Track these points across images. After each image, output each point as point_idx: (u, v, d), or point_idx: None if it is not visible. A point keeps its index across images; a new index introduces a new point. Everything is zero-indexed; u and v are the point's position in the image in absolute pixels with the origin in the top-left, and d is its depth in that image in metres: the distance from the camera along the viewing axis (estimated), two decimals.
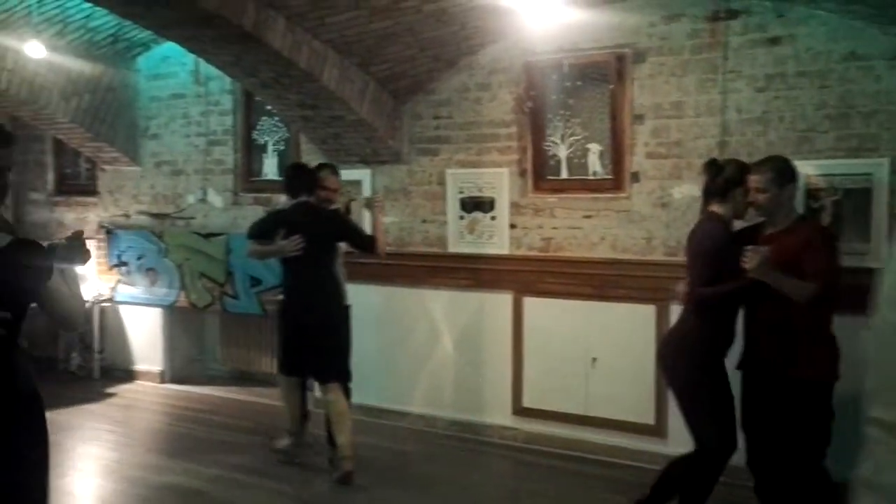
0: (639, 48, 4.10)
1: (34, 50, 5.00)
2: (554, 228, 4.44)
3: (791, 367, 2.82)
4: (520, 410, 4.55)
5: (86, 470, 4.34)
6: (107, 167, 6.28)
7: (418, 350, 4.87)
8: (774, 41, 3.78)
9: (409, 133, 4.87)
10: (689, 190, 3.95)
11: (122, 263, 6.15)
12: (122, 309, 6.22)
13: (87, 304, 2.33)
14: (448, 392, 4.79)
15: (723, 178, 3.02)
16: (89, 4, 4.72)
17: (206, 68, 5.34)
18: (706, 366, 2.98)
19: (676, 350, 3.07)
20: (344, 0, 3.69)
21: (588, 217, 4.33)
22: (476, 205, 4.66)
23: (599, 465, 4.17)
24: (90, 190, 6.49)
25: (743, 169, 3.02)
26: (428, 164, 4.82)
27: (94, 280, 6.22)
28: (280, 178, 5.39)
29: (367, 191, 4.87)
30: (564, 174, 4.42)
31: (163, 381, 6.04)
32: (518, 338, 4.54)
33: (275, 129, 5.58)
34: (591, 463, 4.20)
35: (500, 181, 4.57)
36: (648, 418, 4.13)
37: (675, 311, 3.30)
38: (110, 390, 5.87)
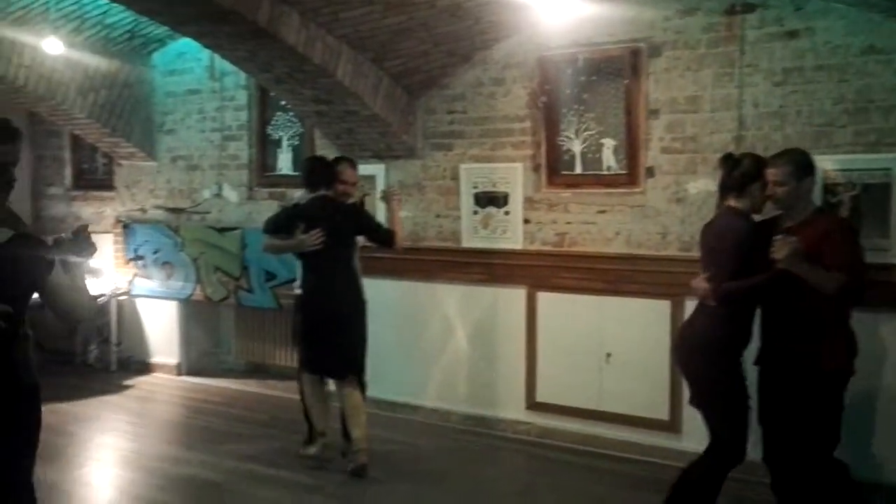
0: (654, 42, 4.08)
1: (52, 46, 5.05)
2: (568, 223, 4.43)
3: (814, 358, 2.81)
4: (533, 405, 4.56)
5: (104, 460, 4.40)
6: (123, 162, 6.34)
7: (432, 344, 4.89)
8: (792, 35, 3.74)
9: (423, 128, 4.87)
10: (704, 185, 3.93)
11: (138, 257, 6.21)
12: (139, 302, 6.29)
13: (92, 297, 2.36)
14: (462, 386, 4.81)
15: (740, 173, 2.99)
16: (106, 1, 4.77)
17: (222, 64, 5.37)
18: (725, 364, 2.95)
19: (694, 346, 3.04)
20: None
21: (602, 212, 4.32)
22: (490, 200, 4.66)
23: (613, 460, 4.17)
24: (107, 185, 6.55)
25: (760, 163, 3.00)
26: (442, 159, 4.83)
27: (111, 273, 6.30)
28: (295, 174, 5.44)
29: (381, 185, 4.87)
30: (578, 169, 4.41)
31: (179, 374, 6.10)
32: (532, 333, 4.54)
33: (289, 124, 5.60)
34: (604, 458, 4.20)
35: (514, 176, 4.57)
36: (662, 414, 4.12)
37: (690, 307, 3.28)
38: (127, 382, 5.94)
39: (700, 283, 3.01)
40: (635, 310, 4.19)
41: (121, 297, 6.26)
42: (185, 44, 5.67)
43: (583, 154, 4.39)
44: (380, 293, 4.71)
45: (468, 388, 4.79)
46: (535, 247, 4.54)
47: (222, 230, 5.79)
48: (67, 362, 6.46)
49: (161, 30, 5.46)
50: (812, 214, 2.93)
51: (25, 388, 2.16)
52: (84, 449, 4.55)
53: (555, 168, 4.47)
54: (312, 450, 4.05)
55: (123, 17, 5.23)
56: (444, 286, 4.83)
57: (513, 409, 4.62)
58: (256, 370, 6.03)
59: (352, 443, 3.94)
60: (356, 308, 4.00)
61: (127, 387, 5.84)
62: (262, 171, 5.74)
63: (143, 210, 6.28)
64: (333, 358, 3.94)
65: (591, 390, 4.36)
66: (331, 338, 3.88)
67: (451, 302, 4.82)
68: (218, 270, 5.82)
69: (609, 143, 4.30)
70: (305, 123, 5.42)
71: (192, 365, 6.17)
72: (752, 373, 3.04)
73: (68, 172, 6.88)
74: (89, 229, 2.32)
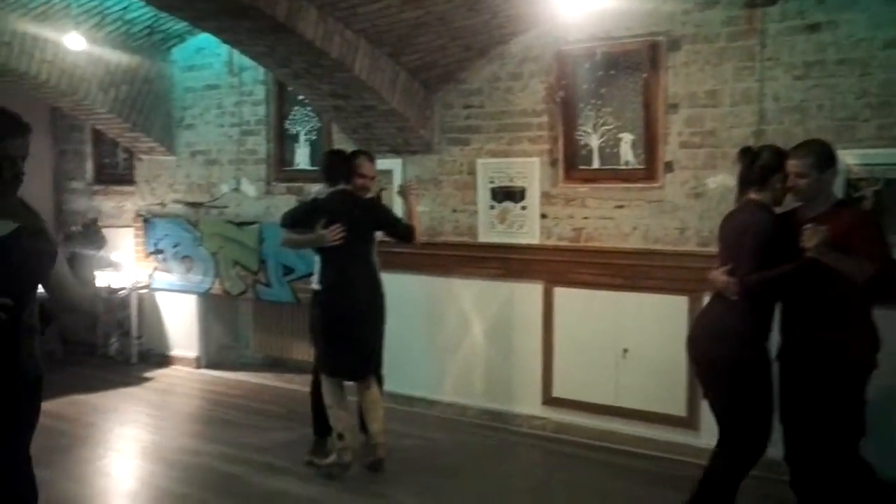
0: (673, 36, 4.04)
1: (74, 42, 5.12)
2: (585, 218, 4.42)
3: (839, 347, 2.78)
4: (549, 400, 4.56)
5: (124, 451, 4.46)
6: (144, 157, 6.40)
7: (449, 339, 4.90)
8: (814, 28, 3.69)
9: (439, 123, 4.87)
10: (723, 180, 3.89)
11: (158, 251, 6.28)
12: (159, 296, 6.36)
13: (96, 290, 2.39)
14: (478, 381, 4.82)
15: (760, 165, 2.96)
16: None
17: (240, 59, 5.40)
18: (746, 356, 2.91)
19: (713, 338, 2.99)
20: None
21: (620, 207, 4.30)
22: (507, 194, 4.65)
23: (629, 456, 4.16)
24: (128, 179, 6.62)
25: (780, 155, 2.96)
26: (458, 154, 4.83)
27: (131, 267, 6.37)
28: (312, 168, 5.46)
29: (398, 180, 4.88)
30: (596, 164, 4.39)
31: (198, 367, 6.17)
32: (548, 328, 4.54)
33: (307, 118, 5.63)
34: (620, 454, 4.19)
35: (530, 171, 4.55)
36: (680, 410, 4.10)
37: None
38: (148, 375, 6.02)
39: (719, 275, 2.97)
40: (652, 305, 4.17)
41: (141, 291, 6.34)
42: (204, 39, 5.71)
43: (600, 149, 4.36)
44: (396, 288, 4.72)
45: (484, 384, 4.79)
46: (552, 242, 4.53)
47: (240, 224, 5.83)
48: (89, 354, 6.56)
49: (180, 25, 5.51)
50: (833, 206, 2.89)
51: (30, 380, 2.18)
52: (105, 440, 4.62)
53: (572, 163, 4.45)
54: (330, 458, 3.88)
55: (143, 12, 5.28)
56: (460, 281, 4.83)
57: (529, 404, 4.62)
58: (274, 364, 6.08)
59: (369, 437, 3.95)
60: (376, 304, 3.95)
61: (147, 379, 5.92)
62: (280, 166, 5.78)
63: (163, 204, 6.34)
64: (353, 358, 3.84)
65: (607, 386, 4.34)
66: (350, 335, 3.80)
67: (467, 297, 4.82)
68: (236, 264, 5.87)
69: (627, 138, 4.27)
70: (323, 118, 5.44)
71: (211, 358, 6.23)
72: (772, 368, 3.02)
73: (90, 167, 6.97)
74: (98, 223, 2.37)
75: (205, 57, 5.97)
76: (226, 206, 5.98)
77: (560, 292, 4.49)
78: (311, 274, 4.29)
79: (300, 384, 5.38)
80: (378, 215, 4.00)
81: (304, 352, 5.46)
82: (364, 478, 3.88)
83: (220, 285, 5.97)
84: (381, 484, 3.83)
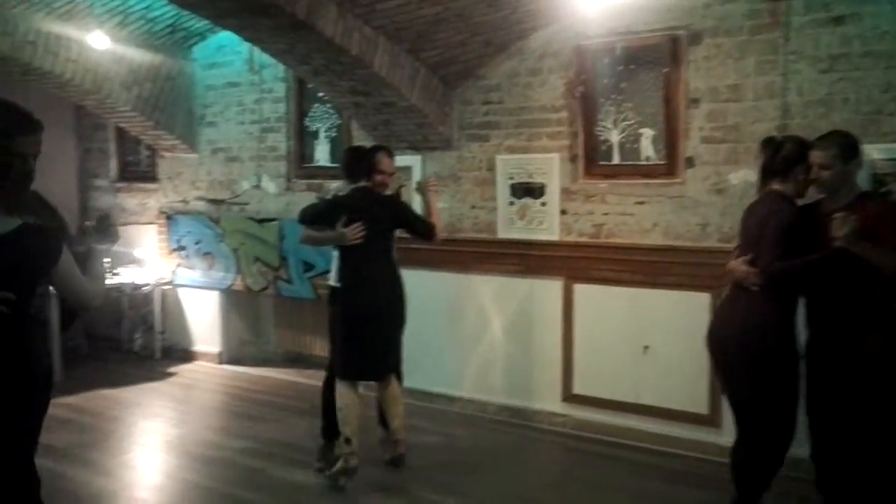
0: (694, 30, 4.00)
1: (98, 41, 5.19)
2: (605, 214, 4.39)
3: (863, 342, 2.74)
4: (569, 397, 4.55)
5: (148, 445, 4.53)
6: (166, 154, 6.47)
7: (468, 336, 4.90)
8: (839, 20, 3.63)
9: (459, 119, 4.87)
10: (745, 175, 3.85)
11: (181, 248, 6.35)
12: (182, 292, 6.43)
13: (104, 286, 2.39)
14: (497, 377, 4.82)
15: (783, 156, 2.92)
16: None
17: (260, 56, 5.44)
18: (770, 350, 2.87)
19: (734, 331, 2.95)
20: None
21: (640, 203, 4.27)
22: (526, 190, 4.64)
23: (650, 453, 4.14)
24: (151, 176, 6.70)
25: (803, 146, 2.93)
26: (478, 150, 4.82)
27: (155, 263, 6.45)
28: (332, 165, 5.48)
29: (417, 177, 4.88)
30: (616, 159, 4.36)
31: (220, 362, 6.24)
32: (568, 324, 4.52)
33: (327, 115, 5.65)
34: (641, 451, 4.17)
35: (550, 167, 4.54)
36: (702, 407, 4.07)
37: None
38: (171, 370, 6.09)
39: (738, 265, 2.93)
40: (673, 302, 4.14)
41: (164, 287, 6.41)
42: (225, 37, 5.75)
43: (621, 144, 4.33)
44: (416, 284, 4.72)
45: (504, 380, 4.79)
46: (572, 238, 4.51)
47: (261, 221, 5.88)
48: (114, 350, 6.66)
49: (202, 23, 5.55)
50: (857, 198, 2.84)
51: (37, 374, 2.19)
52: (129, 433, 4.69)
53: (592, 158, 4.43)
54: (337, 466, 3.72)
55: (165, 11, 5.33)
56: (479, 277, 4.83)
57: (549, 400, 4.62)
58: (295, 359, 6.13)
59: (390, 433, 3.97)
60: (397, 301, 3.89)
61: (170, 374, 6.00)
62: (300, 163, 5.81)
63: (185, 201, 6.41)
64: (375, 357, 3.79)
65: (628, 383, 4.32)
66: (372, 334, 3.74)
67: (487, 293, 4.82)
68: (257, 261, 5.92)
69: (647, 133, 4.24)
70: (343, 115, 5.46)
71: (233, 353, 6.29)
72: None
73: (113, 165, 7.05)
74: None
75: (226, 55, 6.01)
76: (247, 203, 6.03)
77: (580, 289, 4.48)
78: (328, 270, 4.28)
79: (320, 380, 5.38)
80: (398, 213, 3.96)
81: (325, 348, 5.48)
82: (385, 473, 3.91)
83: (241, 281, 6.02)
84: (401, 479, 3.85)
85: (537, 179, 4.60)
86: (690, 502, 3.57)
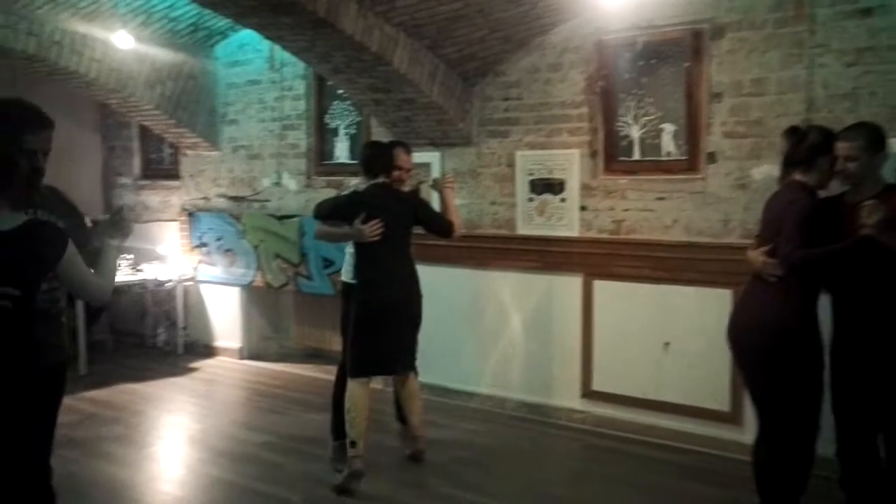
0: (717, 23, 3.96)
1: (122, 41, 5.25)
2: (625, 210, 4.37)
3: (888, 336, 2.70)
4: (589, 393, 4.53)
5: (171, 439, 4.59)
6: (188, 152, 6.54)
7: (487, 331, 4.90)
8: (866, 13, 3.57)
9: (478, 115, 4.87)
10: (769, 170, 3.80)
11: (203, 244, 6.42)
12: (204, 288, 6.50)
13: (112, 281, 2.39)
14: (517, 373, 4.81)
15: (807, 146, 2.87)
16: None
17: (281, 54, 5.48)
18: (790, 342, 2.82)
19: (753, 323, 2.91)
20: None
21: (661, 199, 4.24)
22: (546, 186, 4.63)
23: (670, 450, 4.11)
24: (173, 174, 6.77)
25: (828, 136, 2.87)
26: (497, 146, 4.81)
27: (177, 260, 6.53)
28: (352, 162, 5.51)
29: (436, 173, 4.87)
30: (637, 155, 4.33)
31: (241, 358, 6.30)
32: (588, 321, 4.50)
33: (346, 112, 5.67)
34: (661, 448, 4.15)
35: (570, 163, 4.52)
36: (723, 405, 4.04)
37: None
38: (193, 365, 6.16)
39: (757, 255, 2.88)
40: (695, 299, 4.11)
41: (187, 283, 6.49)
42: (247, 35, 5.80)
43: (641, 140, 4.30)
44: (435, 280, 4.74)
45: (523, 376, 4.79)
46: (592, 234, 4.49)
47: (282, 218, 5.92)
48: (138, 345, 6.75)
49: (223, 22, 5.60)
50: (883, 191, 2.79)
51: (42, 367, 2.19)
52: (153, 427, 4.75)
53: (612, 154, 4.40)
54: (344, 473, 3.64)
55: (188, 10, 5.39)
56: (499, 273, 4.83)
57: (568, 397, 4.60)
58: (314, 355, 6.16)
59: (409, 429, 3.98)
60: (414, 298, 3.85)
61: (193, 369, 6.06)
62: (320, 160, 5.84)
63: (207, 198, 6.47)
64: (396, 351, 3.77)
65: (648, 380, 4.30)
66: (387, 332, 3.70)
67: (506, 289, 4.82)
68: (278, 257, 5.96)
69: (669, 129, 4.20)
70: (362, 112, 5.48)
71: (253, 349, 6.35)
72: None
73: (137, 162, 7.14)
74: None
75: (247, 53, 6.06)
76: (267, 200, 6.08)
77: (600, 285, 4.46)
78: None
79: None
80: (417, 210, 3.89)
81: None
82: (404, 468, 3.92)
83: (261, 278, 6.08)
84: (420, 474, 3.87)
85: (557, 175, 4.58)
86: (710, 500, 3.54)
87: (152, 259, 6.53)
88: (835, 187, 2.96)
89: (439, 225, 3.92)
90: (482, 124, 4.86)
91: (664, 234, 4.23)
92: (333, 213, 3.77)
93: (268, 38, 4.29)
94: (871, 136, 2.79)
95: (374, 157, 3.82)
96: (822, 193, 2.96)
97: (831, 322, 2.91)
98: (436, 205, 4.19)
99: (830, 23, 3.66)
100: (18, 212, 2.12)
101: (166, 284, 6.43)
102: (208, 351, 6.46)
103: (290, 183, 5.96)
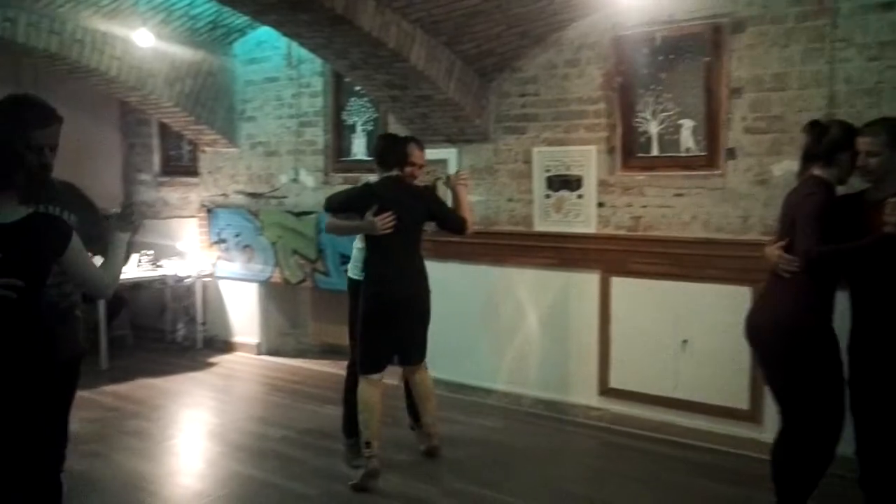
0: (738, 18, 3.91)
1: (143, 39, 5.30)
2: (643, 207, 4.34)
3: None
4: (606, 391, 4.51)
5: (190, 433, 4.63)
6: (207, 149, 6.59)
7: (504, 328, 4.89)
8: (889, 6, 3.52)
9: (495, 111, 4.86)
10: (789, 166, 3.75)
11: (221, 240, 6.47)
12: (222, 284, 6.56)
13: (118, 275, 2.42)
14: (533, 370, 4.80)
15: (828, 141, 2.83)
16: None
17: (298, 51, 5.50)
18: (807, 337, 2.80)
19: (770, 319, 2.88)
20: None
21: (679, 195, 4.20)
22: (563, 183, 4.61)
23: (688, 448, 4.09)
24: (192, 171, 6.83)
25: (849, 131, 2.83)
26: (514, 143, 4.80)
27: (196, 256, 6.59)
28: (369, 158, 5.51)
29: (452, 170, 4.86)
30: (655, 151, 4.30)
31: (259, 353, 6.35)
32: (605, 318, 4.48)
33: (363, 109, 5.69)
34: (679, 446, 4.12)
35: (587, 159, 4.50)
36: (742, 403, 4.00)
37: None
38: (212, 360, 6.22)
39: (774, 250, 2.85)
40: (713, 296, 4.07)
41: (205, 279, 6.54)
42: (265, 33, 5.83)
43: (659, 136, 4.27)
44: (452, 277, 4.75)
45: (540, 373, 4.78)
46: (609, 231, 4.46)
47: (299, 214, 5.95)
48: (158, 340, 6.82)
49: (242, 20, 5.64)
50: None
51: (47, 359, 2.19)
52: (173, 422, 4.81)
53: (630, 150, 4.37)
54: (360, 473, 3.64)
55: (207, 8, 5.43)
56: (515, 270, 4.82)
57: (585, 394, 4.59)
58: (331, 351, 6.19)
59: (424, 426, 3.98)
60: (422, 296, 3.81)
61: (211, 364, 6.12)
62: (337, 157, 5.86)
63: (226, 195, 6.52)
64: (409, 343, 3.77)
65: (666, 377, 4.27)
66: (403, 326, 3.69)
67: (522, 286, 4.81)
68: (295, 254, 6.00)
69: (687, 124, 4.17)
70: (380, 108, 5.49)
71: (271, 344, 6.40)
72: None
73: (156, 159, 7.21)
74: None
75: (265, 50, 6.09)
76: (285, 197, 6.11)
77: (617, 282, 4.43)
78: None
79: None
80: (431, 206, 3.85)
81: None
82: (420, 464, 3.93)
83: (279, 274, 6.11)
84: (436, 471, 3.87)
85: (574, 172, 4.56)
86: (727, 498, 3.52)
87: (172, 255, 6.59)
88: (855, 184, 2.92)
89: (452, 221, 3.90)
90: (499, 120, 4.85)
91: (682, 231, 4.20)
92: (345, 205, 3.70)
93: (285, 35, 4.31)
94: (894, 132, 2.75)
95: (389, 149, 3.78)
96: (843, 190, 2.93)
97: (850, 320, 2.88)
98: (449, 201, 4.18)
99: (853, 16, 3.61)
100: (27, 205, 2.14)
101: (185, 280, 6.49)
102: (227, 346, 6.51)
103: (308, 179, 5.99)
